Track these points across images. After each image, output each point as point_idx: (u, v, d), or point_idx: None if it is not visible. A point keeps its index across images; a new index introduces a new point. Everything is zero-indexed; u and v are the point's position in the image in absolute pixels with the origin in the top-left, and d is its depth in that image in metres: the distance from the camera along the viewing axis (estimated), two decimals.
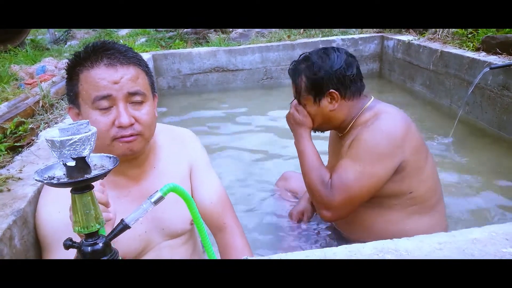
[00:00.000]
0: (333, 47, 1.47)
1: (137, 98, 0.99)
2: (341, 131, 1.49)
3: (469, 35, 3.43)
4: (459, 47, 3.40)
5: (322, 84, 1.40)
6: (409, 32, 4.45)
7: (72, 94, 1.02)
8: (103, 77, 0.95)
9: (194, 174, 1.27)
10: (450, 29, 3.75)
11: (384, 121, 1.33)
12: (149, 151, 1.16)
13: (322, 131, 1.55)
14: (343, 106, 1.42)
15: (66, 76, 1.05)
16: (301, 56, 1.49)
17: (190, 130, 1.39)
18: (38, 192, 1.22)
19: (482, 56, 3.00)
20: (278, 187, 2.10)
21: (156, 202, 0.86)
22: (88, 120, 0.74)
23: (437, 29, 3.86)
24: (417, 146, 1.38)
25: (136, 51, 1.09)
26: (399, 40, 4.29)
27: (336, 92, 1.39)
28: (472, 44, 3.28)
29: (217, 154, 2.84)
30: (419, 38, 4.04)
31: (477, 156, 2.55)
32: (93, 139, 0.71)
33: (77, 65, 0.99)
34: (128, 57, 0.99)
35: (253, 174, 2.53)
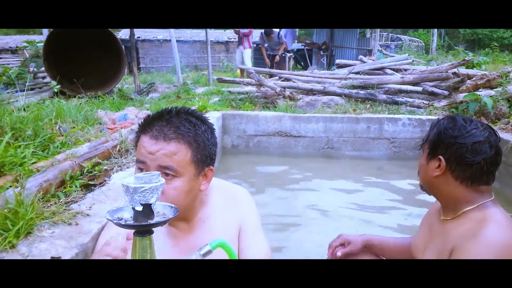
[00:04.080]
0: (491, 130, 1.33)
1: (168, 172, 1.06)
2: (444, 212, 1.35)
3: None
4: None
5: (439, 145, 1.29)
6: (479, 117, 4.33)
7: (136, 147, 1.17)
8: (145, 145, 1.07)
9: (242, 236, 1.28)
10: None
11: (493, 233, 1.16)
12: (200, 206, 1.22)
13: (427, 193, 1.40)
14: (449, 181, 1.29)
15: None
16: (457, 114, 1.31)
17: (245, 189, 1.40)
18: (102, 229, 1.34)
19: None
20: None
21: (204, 255, 0.92)
22: (159, 172, 0.84)
23: (510, 120, 3.73)
24: None
25: (203, 116, 1.18)
26: None
27: (443, 162, 1.27)
28: None
29: (271, 216, 2.87)
30: None
31: None
32: (160, 189, 0.80)
33: (139, 128, 1.14)
34: (175, 133, 1.08)
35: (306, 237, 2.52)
